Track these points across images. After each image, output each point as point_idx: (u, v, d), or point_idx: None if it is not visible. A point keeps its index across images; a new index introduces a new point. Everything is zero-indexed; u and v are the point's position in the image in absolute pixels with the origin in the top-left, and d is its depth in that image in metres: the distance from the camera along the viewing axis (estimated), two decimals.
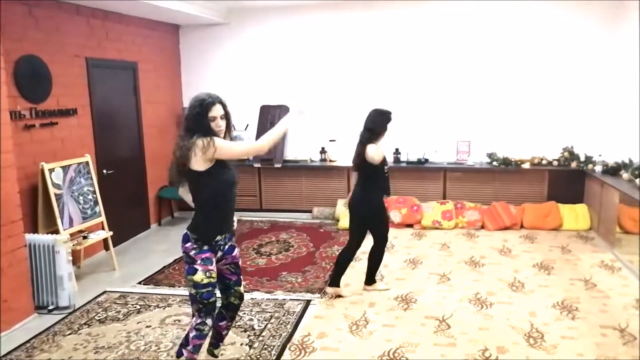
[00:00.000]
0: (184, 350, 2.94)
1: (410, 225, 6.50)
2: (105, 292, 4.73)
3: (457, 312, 4.10)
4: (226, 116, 2.93)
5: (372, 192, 4.28)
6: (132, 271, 5.26)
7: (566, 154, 6.45)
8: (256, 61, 7.31)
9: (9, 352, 3.67)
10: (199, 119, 2.82)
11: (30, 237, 4.27)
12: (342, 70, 7.07)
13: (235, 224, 3.14)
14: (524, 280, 4.71)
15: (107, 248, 5.45)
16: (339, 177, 6.98)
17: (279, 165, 7.02)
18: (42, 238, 4.31)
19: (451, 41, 6.73)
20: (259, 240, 6.15)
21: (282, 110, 7.21)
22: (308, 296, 4.48)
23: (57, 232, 4.67)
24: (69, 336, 3.88)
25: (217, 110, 2.85)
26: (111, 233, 5.29)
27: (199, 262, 2.86)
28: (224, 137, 2.95)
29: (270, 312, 4.18)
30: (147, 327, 3.99)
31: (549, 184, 6.48)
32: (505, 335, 3.69)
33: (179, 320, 4.09)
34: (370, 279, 4.57)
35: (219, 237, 2.94)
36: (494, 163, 6.63)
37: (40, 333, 3.93)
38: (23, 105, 4.67)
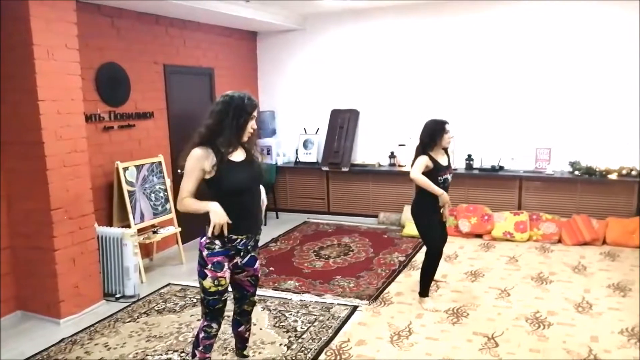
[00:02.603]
0: (196, 351, 3.01)
1: (479, 236, 6.21)
2: (169, 284, 5.02)
3: (510, 330, 3.85)
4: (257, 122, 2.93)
5: (424, 199, 4.20)
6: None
7: None
8: (328, 65, 7.37)
9: (76, 333, 4.03)
10: (239, 115, 2.77)
11: (101, 229, 4.66)
12: (414, 74, 6.93)
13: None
14: (593, 301, 4.32)
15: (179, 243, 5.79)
16: (407, 183, 6.81)
17: (346, 169, 7.03)
18: (111, 231, 4.68)
19: (530, 42, 6.34)
20: (321, 242, 6.20)
21: (351, 114, 7.24)
22: (356, 302, 4.44)
23: (129, 226, 5.04)
24: (128, 323, 4.18)
25: (256, 112, 2.88)
26: (180, 229, 5.61)
27: (209, 266, 2.82)
28: (250, 141, 2.93)
29: (315, 315, 4.20)
30: (198, 320, 4.17)
31: (639, 197, 5.88)
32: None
33: (228, 316, 4.22)
34: (422, 291, 4.42)
35: (234, 237, 2.85)
36: (577, 172, 6.13)
37: (104, 319, 4.28)
38: (103, 108, 5.10)
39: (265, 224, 7.09)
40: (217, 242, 2.83)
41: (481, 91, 6.64)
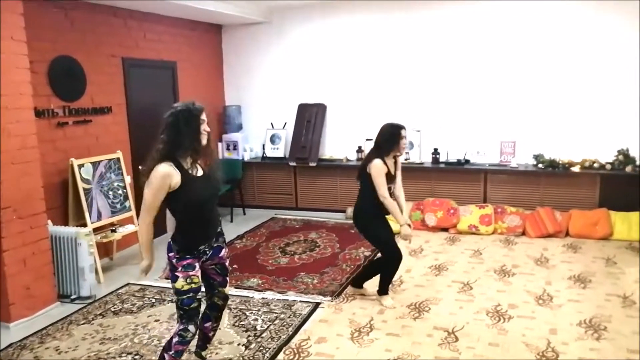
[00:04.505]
0: (165, 355, 2.95)
1: (445, 230, 6.22)
2: (128, 284, 4.89)
3: (470, 324, 3.84)
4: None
5: (367, 205, 4.10)
6: (159, 265, 5.32)
7: (621, 156, 5.87)
8: (295, 59, 7.28)
9: (26, 337, 3.87)
10: (191, 122, 2.79)
11: (54, 229, 4.49)
12: (381, 69, 6.88)
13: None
14: (554, 293, 4.35)
15: None
16: None
17: (313, 164, 6.95)
18: (65, 230, 4.52)
19: (495, 37, 6.35)
20: (288, 239, 6.12)
21: (319, 108, 7.17)
22: (319, 299, 4.38)
23: (86, 225, 4.88)
24: (82, 325, 4.04)
25: (204, 115, 2.89)
26: None
27: (180, 269, 2.84)
28: (207, 144, 2.92)
29: (276, 313, 4.13)
30: (155, 321, 4.08)
31: (601, 190, 5.95)
32: (516, 353, 3.42)
33: None
34: (381, 290, 4.26)
35: (201, 247, 2.93)
36: (540, 165, 6.18)
37: (57, 321, 4.12)
38: (57, 103, 4.91)
39: (231, 221, 6.99)
40: (187, 256, 2.88)
41: (447, 86, 6.63)
